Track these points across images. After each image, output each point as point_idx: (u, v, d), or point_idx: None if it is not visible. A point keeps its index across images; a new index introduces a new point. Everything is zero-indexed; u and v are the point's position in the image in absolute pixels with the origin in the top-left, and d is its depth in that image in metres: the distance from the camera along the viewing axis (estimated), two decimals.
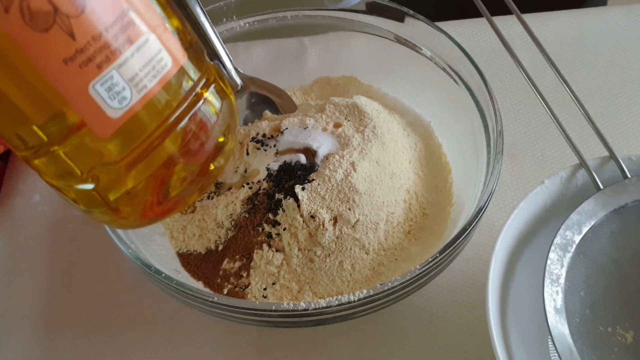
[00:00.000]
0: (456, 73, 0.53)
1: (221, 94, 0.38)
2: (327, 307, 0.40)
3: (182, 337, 0.50)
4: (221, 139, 0.37)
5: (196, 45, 0.38)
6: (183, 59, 0.34)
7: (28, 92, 0.29)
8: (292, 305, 0.40)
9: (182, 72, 0.34)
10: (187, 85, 0.34)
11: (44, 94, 0.29)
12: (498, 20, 0.50)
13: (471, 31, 0.67)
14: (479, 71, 0.50)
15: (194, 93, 0.35)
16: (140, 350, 0.49)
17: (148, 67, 0.32)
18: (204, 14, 0.53)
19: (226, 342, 0.49)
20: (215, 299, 0.40)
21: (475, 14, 0.67)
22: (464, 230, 0.42)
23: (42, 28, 0.28)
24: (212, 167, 0.37)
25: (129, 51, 0.30)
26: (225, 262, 0.49)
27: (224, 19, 0.57)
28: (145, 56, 0.31)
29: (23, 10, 0.27)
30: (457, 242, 0.42)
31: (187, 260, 0.50)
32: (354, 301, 0.40)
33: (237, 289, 0.48)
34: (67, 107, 0.30)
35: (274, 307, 0.40)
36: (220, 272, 0.48)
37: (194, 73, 0.35)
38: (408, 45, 0.56)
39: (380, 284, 0.41)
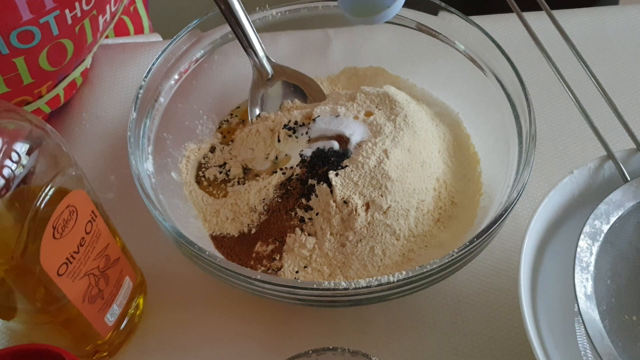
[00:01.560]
0: (486, 65, 0.54)
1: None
2: (367, 287, 0.41)
3: (215, 316, 0.50)
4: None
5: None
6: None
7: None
8: (332, 284, 0.41)
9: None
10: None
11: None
12: (514, 16, 0.51)
13: (487, 27, 0.67)
14: (515, 68, 0.51)
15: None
16: (173, 327, 0.50)
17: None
18: (239, 1, 0.54)
19: (257, 327, 0.50)
20: (258, 276, 0.41)
21: (480, 12, 0.68)
22: (499, 216, 0.44)
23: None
24: None
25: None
26: (258, 245, 0.50)
27: (257, 8, 0.58)
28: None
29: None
30: (494, 227, 0.43)
31: (221, 242, 0.51)
32: (393, 282, 0.41)
33: (269, 271, 0.49)
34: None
35: (314, 286, 0.41)
36: (254, 255, 0.49)
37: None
38: (436, 36, 0.57)
39: (419, 267, 0.42)
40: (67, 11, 0.52)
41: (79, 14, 0.53)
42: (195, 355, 0.49)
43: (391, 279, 0.41)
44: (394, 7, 0.46)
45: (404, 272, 0.41)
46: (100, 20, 0.57)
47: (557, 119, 0.62)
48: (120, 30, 0.74)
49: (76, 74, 0.62)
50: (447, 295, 0.51)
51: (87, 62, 0.63)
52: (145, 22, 0.79)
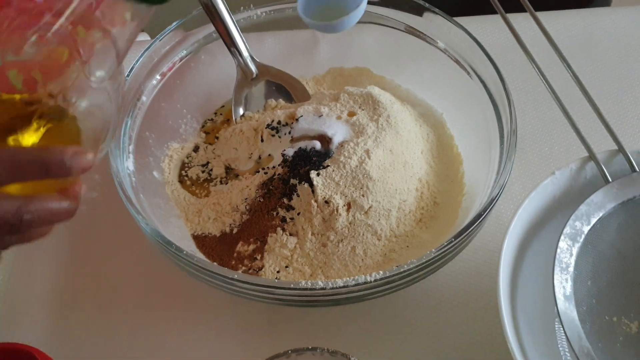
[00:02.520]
0: (470, 66, 0.54)
1: None
2: (344, 286, 0.41)
3: (196, 316, 0.50)
4: None
5: None
6: None
7: None
8: (310, 283, 0.41)
9: None
10: None
11: None
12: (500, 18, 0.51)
13: (474, 28, 0.68)
14: (496, 68, 0.51)
15: None
16: (154, 327, 0.50)
17: None
18: (223, 1, 0.54)
19: (237, 327, 0.50)
20: (236, 276, 0.41)
21: (472, 12, 0.68)
22: (478, 216, 0.44)
23: None
24: None
25: None
26: (239, 244, 0.50)
27: (242, 7, 0.58)
28: None
29: None
30: (473, 227, 0.43)
31: (202, 242, 0.50)
32: (370, 282, 0.41)
33: (250, 270, 0.49)
34: None
35: (292, 285, 0.41)
36: (235, 255, 0.49)
37: None
38: (422, 37, 0.57)
39: (397, 266, 0.41)
40: None
41: None
42: (175, 354, 0.49)
43: (368, 278, 0.41)
44: (353, 15, 0.47)
45: (381, 272, 0.41)
46: None
47: (542, 121, 0.62)
48: None
49: None
50: (428, 296, 0.51)
51: None
52: None
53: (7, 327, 0.50)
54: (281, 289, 0.42)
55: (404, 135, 0.52)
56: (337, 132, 0.51)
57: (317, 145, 0.51)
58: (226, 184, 0.54)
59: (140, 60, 0.53)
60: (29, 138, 0.35)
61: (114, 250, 0.54)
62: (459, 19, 0.56)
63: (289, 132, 0.53)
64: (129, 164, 0.51)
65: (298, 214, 0.49)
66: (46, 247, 0.55)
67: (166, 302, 0.51)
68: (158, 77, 0.55)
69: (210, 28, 0.57)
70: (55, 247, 0.54)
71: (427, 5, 0.56)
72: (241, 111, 0.57)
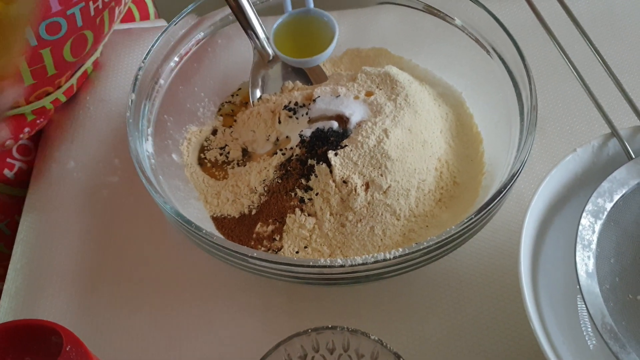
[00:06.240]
0: (489, 44, 0.53)
1: None
2: (363, 264, 0.41)
3: (217, 296, 0.51)
4: None
5: None
6: None
7: None
8: (329, 261, 0.41)
9: None
10: None
11: None
12: None
13: (493, 6, 0.67)
14: (516, 45, 0.50)
15: None
16: (176, 307, 0.50)
17: None
18: None
19: (258, 306, 0.50)
20: (255, 254, 0.41)
21: None
22: (499, 192, 0.43)
23: None
24: None
25: None
26: (258, 225, 0.50)
27: None
28: None
29: None
30: (493, 203, 0.42)
31: (222, 223, 0.51)
32: (389, 259, 0.41)
33: (270, 251, 0.49)
34: None
35: (311, 263, 0.41)
36: (254, 235, 0.49)
37: None
38: (440, 16, 0.56)
39: (416, 244, 0.41)
40: (90, 3, 0.53)
41: (100, 6, 0.54)
42: (196, 335, 0.49)
43: (388, 256, 0.41)
44: (328, 50, 0.52)
45: (400, 250, 0.41)
46: (117, 11, 0.58)
47: (562, 99, 0.61)
48: (126, 16, 0.74)
49: (88, 63, 0.62)
50: (448, 276, 0.51)
51: (98, 52, 0.64)
52: (151, 9, 0.79)
53: (32, 305, 0.51)
54: (301, 267, 0.42)
55: (422, 114, 0.52)
56: (355, 112, 0.51)
57: (335, 125, 0.51)
58: (244, 166, 0.54)
59: (157, 43, 0.53)
60: None
61: (135, 232, 0.55)
62: None
63: (306, 113, 0.53)
64: (148, 146, 0.51)
65: (316, 194, 0.49)
66: (69, 229, 0.55)
67: (187, 282, 0.52)
68: (176, 59, 0.55)
69: (227, 11, 0.57)
70: (78, 229, 0.55)
71: None
72: (258, 93, 0.57)
